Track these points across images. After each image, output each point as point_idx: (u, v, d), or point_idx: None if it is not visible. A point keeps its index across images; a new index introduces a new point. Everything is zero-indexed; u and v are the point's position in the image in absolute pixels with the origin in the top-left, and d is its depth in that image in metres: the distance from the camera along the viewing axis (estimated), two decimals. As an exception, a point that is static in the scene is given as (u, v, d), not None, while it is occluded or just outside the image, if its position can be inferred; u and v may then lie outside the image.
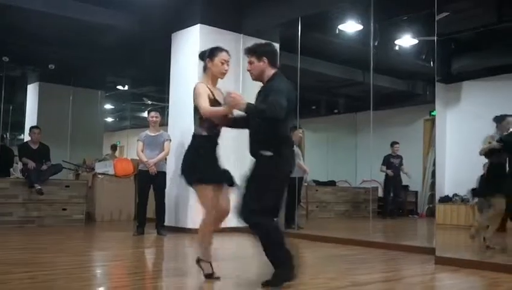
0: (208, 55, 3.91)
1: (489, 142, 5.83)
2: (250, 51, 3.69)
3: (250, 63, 3.68)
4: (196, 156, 3.79)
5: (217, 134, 3.84)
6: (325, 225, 9.69)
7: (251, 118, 3.62)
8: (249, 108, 3.48)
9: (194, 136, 3.87)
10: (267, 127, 3.52)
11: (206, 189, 3.73)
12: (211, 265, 3.83)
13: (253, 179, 3.53)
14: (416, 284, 4.24)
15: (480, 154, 5.98)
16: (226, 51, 3.94)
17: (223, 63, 3.87)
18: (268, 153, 3.49)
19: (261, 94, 3.60)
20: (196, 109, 3.79)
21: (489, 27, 7.93)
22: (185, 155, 3.87)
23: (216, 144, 3.84)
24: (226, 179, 3.81)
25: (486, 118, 8.90)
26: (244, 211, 3.47)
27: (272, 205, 3.54)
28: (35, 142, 8.26)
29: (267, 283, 3.44)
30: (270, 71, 3.65)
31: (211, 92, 3.79)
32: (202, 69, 4.00)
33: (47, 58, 10.42)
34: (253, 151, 3.60)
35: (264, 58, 3.63)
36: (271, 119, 3.43)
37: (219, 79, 3.96)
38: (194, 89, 3.79)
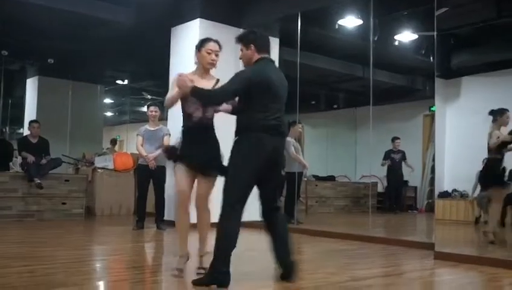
0: (196, 47, 3.97)
1: (498, 137, 5.87)
2: (238, 39, 3.74)
3: (241, 50, 3.73)
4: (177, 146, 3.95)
5: (197, 123, 3.83)
6: (324, 219, 9.70)
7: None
8: (193, 91, 3.56)
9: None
10: (238, 112, 3.63)
11: (176, 168, 3.87)
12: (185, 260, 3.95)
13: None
14: (416, 279, 4.25)
15: (491, 147, 6.02)
16: (215, 41, 3.95)
17: (209, 53, 3.89)
18: (235, 139, 3.57)
19: None
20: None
21: (489, 22, 7.92)
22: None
23: (196, 133, 3.85)
24: (203, 164, 3.79)
25: (485, 113, 8.91)
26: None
27: (236, 194, 3.48)
28: (35, 136, 8.26)
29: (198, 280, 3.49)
30: (257, 57, 3.67)
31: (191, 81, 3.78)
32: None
33: (46, 52, 10.40)
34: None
35: (251, 45, 3.65)
36: (209, 104, 3.70)
37: (213, 70, 4.00)
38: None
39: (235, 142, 3.55)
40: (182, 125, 3.95)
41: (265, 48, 3.69)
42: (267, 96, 3.51)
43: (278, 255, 3.60)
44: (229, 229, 3.44)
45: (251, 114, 3.51)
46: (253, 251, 5.21)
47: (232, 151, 3.54)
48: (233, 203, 3.44)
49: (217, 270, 3.37)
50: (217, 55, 3.92)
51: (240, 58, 3.75)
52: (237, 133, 3.58)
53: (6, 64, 11.21)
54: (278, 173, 3.76)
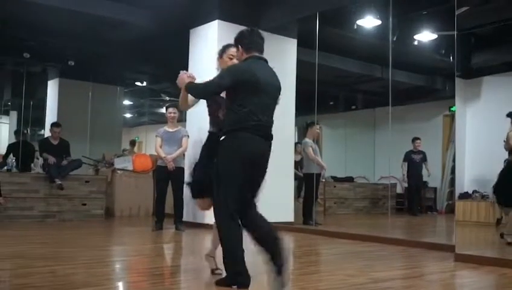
0: (218, 53, 4.02)
1: None
2: (235, 42, 3.73)
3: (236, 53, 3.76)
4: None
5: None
6: (343, 221, 9.66)
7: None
8: (187, 87, 3.65)
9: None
10: (226, 110, 3.60)
11: None
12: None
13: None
14: (436, 282, 4.21)
15: (509, 149, 5.94)
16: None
17: (231, 58, 3.88)
18: (222, 137, 3.49)
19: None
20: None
21: (510, 21, 7.81)
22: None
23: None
24: None
25: (506, 113, 8.78)
26: None
27: (234, 201, 3.37)
28: (56, 138, 8.36)
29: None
30: (245, 57, 3.62)
31: None
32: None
33: (67, 55, 10.53)
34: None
35: (239, 45, 3.66)
36: (200, 97, 3.78)
37: None
38: None
39: (222, 143, 3.45)
40: (209, 130, 3.93)
41: (253, 47, 3.60)
42: (253, 95, 3.41)
43: (267, 248, 3.36)
44: (230, 232, 3.42)
45: (237, 112, 3.41)
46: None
47: (221, 154, 3.44)
48: (232, 212, 3.37)
49: (234, 272, 3.37)
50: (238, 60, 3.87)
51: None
52: (224, 132, 3.47)
53: (28, 67, 11.36)
54: (262, 178, 3.54)
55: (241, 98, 3.41)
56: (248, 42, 3.62)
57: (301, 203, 8.20)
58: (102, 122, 12.18)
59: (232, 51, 3.87)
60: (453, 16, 5.30)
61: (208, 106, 3.94)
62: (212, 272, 3.91)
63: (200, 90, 3.65)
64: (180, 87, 3.71)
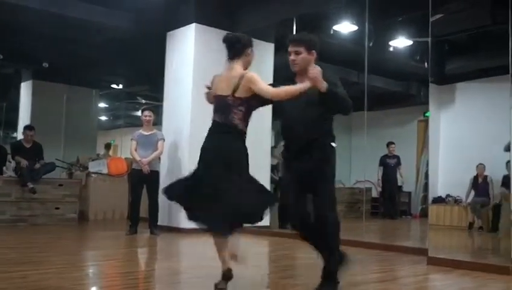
0: (250, 43, 3.72)
1: None
2: (300, 41, 3.52)
3: (297, 53, 3.48)
4: (246, 155, 3.56)
5: None
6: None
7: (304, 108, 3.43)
8: (331, 90, 3.31)
9: (240, 132, 3.53)
10: (331, 118, 3.53)
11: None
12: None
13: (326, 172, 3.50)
14: (409, 285, 4.25)
15: (505, 150, 6.01)
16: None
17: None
18: (334, 145, 3.50)
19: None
20: (241, 101, 3.50)
21: (483, 29, 7.96)
22: (236, 150, 3.52)
23: None
24: None
25: (479, 119, 8.96)
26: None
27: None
28: (29, 141, 8.23)
29: None
30: (313, 64, 3.46)
31: None
32: (233, 56, 3.69)
33: (41, 56, 10.38)
34: (318, 143, 3.45)
35: (314, 51, 3.51)
36: (346, 111, 3.47)
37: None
38: (243, 77, 3.51)
39: (334, 150, 3.60)
40: (243, 130, 3.56)
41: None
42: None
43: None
44: None
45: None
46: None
47: (333, 156, 3.59)
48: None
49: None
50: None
51: (293, 60, 3.54)
52: (330, 137, 3.60)
53: (0, 68, 11.17)
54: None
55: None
56: (319, 49, 3.56)
57: (277, 207, 8.19)
58: (77, 125, 12.02)
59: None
60: (428, 22, 5.38)
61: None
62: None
63: (348, 104, 3.45)
64: (316, 84, 3.28)
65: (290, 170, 3.61)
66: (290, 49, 3.52)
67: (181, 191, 3.67)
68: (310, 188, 3.45)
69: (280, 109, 3.63)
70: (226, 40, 3.70)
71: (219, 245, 3.50)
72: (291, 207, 3.54)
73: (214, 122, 3.60)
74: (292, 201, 3.50)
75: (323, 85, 3.27)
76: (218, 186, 3.37)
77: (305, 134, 3.45)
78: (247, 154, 3.54)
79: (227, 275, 3.44)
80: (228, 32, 3.84)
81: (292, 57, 3.50)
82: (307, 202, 3.53)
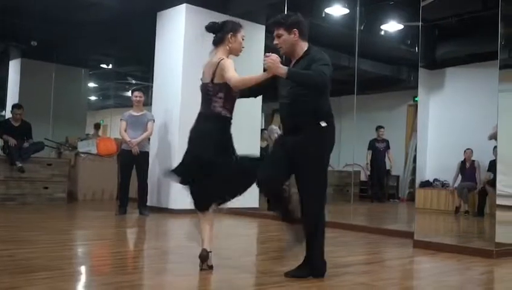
0: (230, 29, 3.68)
1: None
2: (278, 23, 3.46)
3: (278, 36, 3.45)
4: (226, 139, 3.61)
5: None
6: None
7: (291, 87, 3.40)
8: (292, 73, 3.25)
9: (218, 116, 3.57)
10: (314, 97, 3.37)
11: None
12: None
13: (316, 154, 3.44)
14: (395, 267, 4.31)
15: (490, 139, 6.06)
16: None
17: (243, 40, 3.73)
18: (324, 124, 3.40)
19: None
20: (219, 87, 3.54)
21: (474, 14, 7.98)
22: (205, 138, 3.57)
23: None
24: None
25: (468, 104, 9.01)
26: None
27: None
28: (17, 119, 8.18)
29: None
30: (303, 44, 3.47)
31: None
32: (215, 43, 3.71)
33: (29, 35, 10.24)
34: (302, 122, 3.39)
35: (295, 30, 3.42)
36: (316, 89, 3.31)
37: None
38: (218, 64, 3.53)
39: (327, 128, 3.53)
40: (223, 114, 3.60)
41: (307, 33, 3.54)
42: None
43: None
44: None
45: (328, 102, 3.62)
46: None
47: (327, 134, 3.56)
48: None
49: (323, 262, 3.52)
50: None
51: (276, 44, 3.54)
52: (320, 116, 3.47)
53: (-12, 46, 11.03)
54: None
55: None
56: (306, 28, 3.51)
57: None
58: (66, 104, 11.95)
59: (244, 33, 3.72)
60: (419, 7, 5.38)
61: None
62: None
63: (318, 81, 3.27)
64: (274, 71, 3.22)
65: (280, 146, 3.60)
66: (274, 33, 3.52)
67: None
68: (295, 169, 3.47)
69: (277, 88, 3.59)
70: (207, 28, 3.72)
71: (200, 223, 3.64)
72: (264, 170, 3.48)
73: (199, 113, 3.70)
74: (269, 169, 3.47)
75: (282, 71, 3.21)
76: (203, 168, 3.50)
77: (291, 113, 3.45)
78: (227, 138, 3.61)
79: (203, 256, 3.50)
80: (216, 17, 3.82)
81: (275, 41, 3.51)
82: (285, 174, 3.53)
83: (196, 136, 3.62)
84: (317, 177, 3.48)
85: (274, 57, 3.24)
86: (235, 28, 3.69)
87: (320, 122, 3.41)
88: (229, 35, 3.66)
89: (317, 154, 3.45)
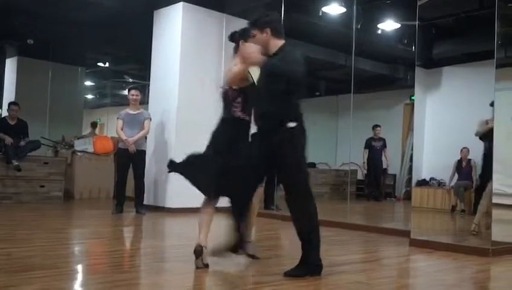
0: (241, 37, 3.78)
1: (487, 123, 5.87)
2: (251, 24, 3.59)
3: (253, 36, 3.55)
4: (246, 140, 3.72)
5: None
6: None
7: (258, 87, 3.51)
8: (267, 61, 3.33)
9: (242, 121, 3.67)
10: (284, 98, 3.37)
11: None
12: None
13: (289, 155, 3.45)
14: (392, 265, 4.32)
15: (476, 135, 6.07)
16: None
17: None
18: (292, 124, 3.39)
19: (267, 67, 3.39)
20: (239, 92, 3.64)
21: (471, 13, 7.99)
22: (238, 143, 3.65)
23: None
24: None
25: (464, 103, 9.02)
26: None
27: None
28: (14, 118, 8.16)
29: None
30: (277, 42, 3.49)
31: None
32: (233, 51, 3.88)
33: (26, 33, 10.23)
34: (271, 124, 3.42)
35: (267, 29, 3.47)
36: (290, 85, 3.33)
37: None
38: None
39: (297, 129, 3.52)
40: (244, 118, 3.71)
41: (281, 31, 3.60)
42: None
43: None
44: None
45: (298, 104, 3.60)
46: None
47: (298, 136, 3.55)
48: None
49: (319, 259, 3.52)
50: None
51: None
52: (289, 117, 3.45)
53: (-16, 44, 11.00)
54: None
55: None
56: (279, 26, 3.57)
57: (262, 188, 8.23)
58: (63, 103, 11.93)
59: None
60: (415, 6, 5.39)
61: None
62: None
63: (294, 75, 3.35)
64: (251, 62, 3.40)
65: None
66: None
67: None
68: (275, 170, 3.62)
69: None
70: (229, 38, 3.89)
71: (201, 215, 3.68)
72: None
73: (223, 118, 3.73)
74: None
75: (257, 61, 3.35)
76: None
77: (261, 116, 3.51)
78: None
79: (197, 251, 3.52)
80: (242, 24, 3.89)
81: (250, 41, 3.60)
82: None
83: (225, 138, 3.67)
84: (295, 177, 3.52)
85: (251, 47, 3.40)
86: (243, 34, 3.77)
87: (289, 124, 3.41)
88: (240, 42, 3.76)
89: (290, 156, 3.46)
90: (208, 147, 3.69)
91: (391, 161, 11.29)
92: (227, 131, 3.66)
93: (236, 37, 3.82)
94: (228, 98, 3.69)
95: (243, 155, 3.56)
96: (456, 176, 8.99)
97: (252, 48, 3.38)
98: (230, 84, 3.63)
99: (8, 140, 7.76)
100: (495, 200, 5.34)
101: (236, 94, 3.65)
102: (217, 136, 3.69)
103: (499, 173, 5.72)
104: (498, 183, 5.84)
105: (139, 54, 10.04)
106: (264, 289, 3.14)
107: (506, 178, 7.96)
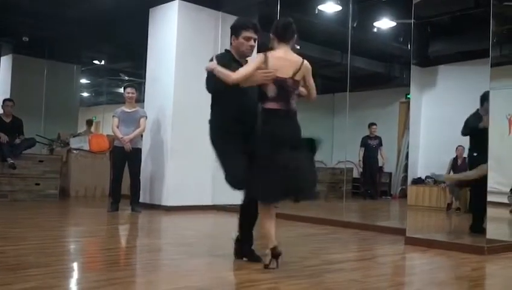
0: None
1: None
2: (258, 29, 3.73)
3: (255, 40, 3.73)
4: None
5: None
6: (299, 204, 9.71)
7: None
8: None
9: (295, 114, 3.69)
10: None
11: None
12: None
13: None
14: (387, 263, 4.33)
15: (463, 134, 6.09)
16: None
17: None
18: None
19: None
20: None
21: (466, 12, 8.00)
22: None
23: None
24: None
25: (459, 102, 9.04)
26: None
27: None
28: (8, 115, 8.14)
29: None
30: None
31: None
32: (287, 39, 3.74)
33: (21, 30, 10.19)
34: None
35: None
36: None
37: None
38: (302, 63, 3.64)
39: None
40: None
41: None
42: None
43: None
44: None
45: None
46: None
47: None
48: None
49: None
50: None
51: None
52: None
53: (-21, 42, 10.96)
54: None
55: None
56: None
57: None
58: (58, 101, 11.90)
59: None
60: (411, 4, 5.39)
61: None
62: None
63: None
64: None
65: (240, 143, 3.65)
66: (250, 35, 3.69)
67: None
68: None
69: None
70: (284, 25, 3.72)
71: (268, 222, 3.62)
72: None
73: (280, 111, 3.55)
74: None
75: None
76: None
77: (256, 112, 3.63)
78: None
79: (276, 253, 3.49)
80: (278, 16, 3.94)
81: (252, 43, 3.71)
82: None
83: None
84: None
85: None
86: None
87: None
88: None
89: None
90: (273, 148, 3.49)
91: (387, 159, 11.32)
92: (291, 126, 3.58)
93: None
94: (288, 88, 3.55)
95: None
96: (452, 174, 9.01)
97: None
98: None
99: (3, 138, 7.73)
100: (490, 198, 5.35)
101: (297, 84, 3.59)
102: (281, 134, 3.51)
103: (494, 171, 5.75)
104: (493, 181, 5.86)
105: (135, 52, 10.03)
106: (260, 287, 3.14)
107: (500, 177, 8.00)
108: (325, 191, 11.68)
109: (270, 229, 3.57)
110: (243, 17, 3.98)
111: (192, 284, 3.15)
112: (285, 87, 3.53)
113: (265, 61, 3.51)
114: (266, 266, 3.49)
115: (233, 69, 3.52)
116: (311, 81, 3.66)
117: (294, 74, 3.55)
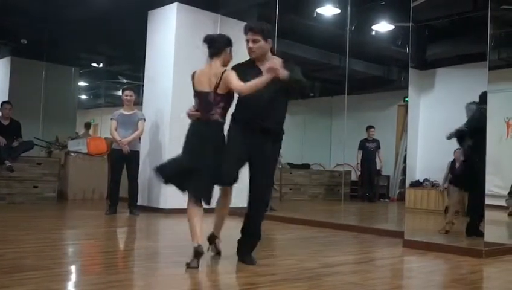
0: (229, 44, 3.92)
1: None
2: (258, 30, 3.71)
3: (255, 41, 3.71)
4: (221, 141, 3.88)
5: None
6: (298, 207, 9.78)
7: (268, 92, 3.59)
8: (293, 78, 3.60)
9: (216, 123, 3.77)
10: (285, 105, 3.86)
11: None
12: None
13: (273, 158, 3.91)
14: (385, 266, 4.33)
15: (447, 138, 6.12)
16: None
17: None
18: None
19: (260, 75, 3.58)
20: (221, 97, 3.72)
21: (464, 15, 8.02)
22: (207, 144, 3.76)
23: None
24: None
25: (458, 105, 9.04)
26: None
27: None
28: (6, 118, 8.13)
29: None
30: (269, 53, 3.81)
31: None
32: (212, 55, 3.87)
33: (19, 33, 10.19)
34: (276, 128, 3.85)
35: (270, 40, 3.76)
36: (300, 95, 3.92)
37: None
38: (222, 76, 3.68)
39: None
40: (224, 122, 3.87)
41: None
42: None
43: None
44: None
45: None
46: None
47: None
48: None
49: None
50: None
51: (250, 48, 3.77)
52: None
53: (-23, 44, 10.96)
54: None
55: None
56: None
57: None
58: (56, 103, 11.90)
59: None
60: (409, 7, 5.40)
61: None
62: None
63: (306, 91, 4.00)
64: (276, 75, 3.46)
65: (240, 143, 3.77)
66: (248, 37, 3.73)
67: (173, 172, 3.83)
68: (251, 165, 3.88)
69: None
70: (206, 40, 3.89)
71: (193, 218, 3.71)
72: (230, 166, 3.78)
73: (197, 121, 3.81)
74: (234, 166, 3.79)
75: (284, 73, 3.47)
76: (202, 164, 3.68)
77: (266, 116, 3.76)
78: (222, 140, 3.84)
79: (198, 251, 3.52)
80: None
81: (250, 44, 3.73)
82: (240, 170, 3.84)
83: (198, 142, 3.76)
84: (272, 173, 4.01)
85: (278, 60, 3.56)
86: (231, 43, 3.90)
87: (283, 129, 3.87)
88: (228, 49, 3.86)
89: (277, 157, 4.07)
90: (188, 150, 3.78)
91: (385, 162, 11.33)
92: (207, 134, 3.75)
93: (226, 44, 3.87)
94: (209, 101, 3.72)
95: (218, 155, 3.70)
96: (450, 177, 9.01)
97: (278, 62, 3.53)
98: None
99: (1, 141, 7.72)
100: (488, 201, 5.36)
101: (219, 99, 3.72)
102: (192, 139, 3.79)
103: (491, 174, 5.76)
104: (491, 185, 5.87)
105: (133, 55, 10.03)
106: (257, 290, 3.14)
107: (498, 180, 8.02)
108: (323, 193, 11.71)
109: (195, 226, 3.67)
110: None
111: (190, 287, 3.14)
112: (206, 100, 3.73)
113: (193, 77, 3.82)
114: (187, 265, 3.52)
115: (251, 75, 3.63)
116: (232, 86, 3.64)
117: (216, 87, 3.70)
